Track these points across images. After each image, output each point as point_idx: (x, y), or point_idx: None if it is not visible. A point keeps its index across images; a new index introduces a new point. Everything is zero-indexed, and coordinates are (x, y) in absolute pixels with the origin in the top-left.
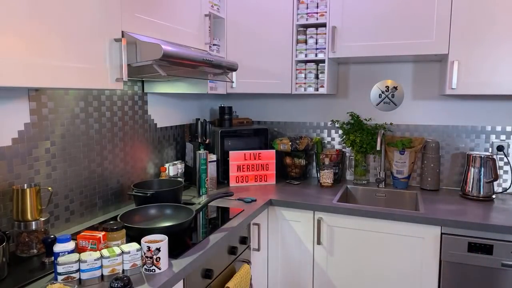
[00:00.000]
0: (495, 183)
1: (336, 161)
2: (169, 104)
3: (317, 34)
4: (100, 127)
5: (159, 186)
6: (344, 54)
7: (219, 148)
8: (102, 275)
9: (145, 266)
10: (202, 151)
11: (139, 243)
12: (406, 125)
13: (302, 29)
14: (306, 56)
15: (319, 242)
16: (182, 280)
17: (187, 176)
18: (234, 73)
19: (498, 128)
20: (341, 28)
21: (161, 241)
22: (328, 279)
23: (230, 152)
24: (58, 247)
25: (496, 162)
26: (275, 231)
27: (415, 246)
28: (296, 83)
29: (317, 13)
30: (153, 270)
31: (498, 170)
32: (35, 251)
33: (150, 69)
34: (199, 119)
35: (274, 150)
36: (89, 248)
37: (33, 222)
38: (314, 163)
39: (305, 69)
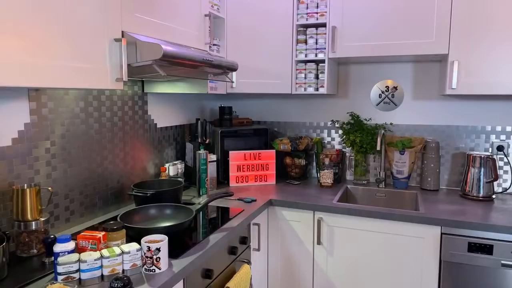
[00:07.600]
0: (495, 183)
1: (336, 161)
2: (169, 104)
3: (317, 34)
4: (100, 127)
5: (159, 186)
6: (344, 54)
7: (219, 148)
8: (102, 275)
9: (145, 266)
10: (202, 151)
11: (139, 243)
12: (406, 125)
13: (302, 29)
14: (306, 56)
15: (319, 242)
16: (182, 280)
17: (187, 176)
18: (234, 73)
19: (498, 128)
20: (341, 28)
21: (161, 241)
22: (328, 279)
23: (230, 152)
24: (58, 247)
25: (496, 162)
26: (275, 231)
27: (415, 246)
28: (296, 83)
29: (317, 13)
30: (153, 270)
31: (498, 170)
32: (35, 251)
33: (150, 69)
34: (199, 119)
35: (274, 150)
36: (89, 248)
37: (33, 222)
38: (314, 163)
39: (305, 69)
